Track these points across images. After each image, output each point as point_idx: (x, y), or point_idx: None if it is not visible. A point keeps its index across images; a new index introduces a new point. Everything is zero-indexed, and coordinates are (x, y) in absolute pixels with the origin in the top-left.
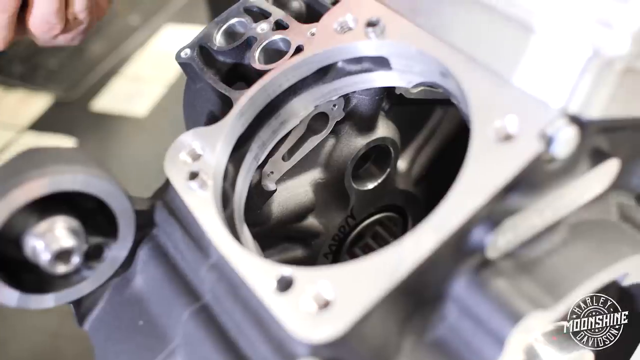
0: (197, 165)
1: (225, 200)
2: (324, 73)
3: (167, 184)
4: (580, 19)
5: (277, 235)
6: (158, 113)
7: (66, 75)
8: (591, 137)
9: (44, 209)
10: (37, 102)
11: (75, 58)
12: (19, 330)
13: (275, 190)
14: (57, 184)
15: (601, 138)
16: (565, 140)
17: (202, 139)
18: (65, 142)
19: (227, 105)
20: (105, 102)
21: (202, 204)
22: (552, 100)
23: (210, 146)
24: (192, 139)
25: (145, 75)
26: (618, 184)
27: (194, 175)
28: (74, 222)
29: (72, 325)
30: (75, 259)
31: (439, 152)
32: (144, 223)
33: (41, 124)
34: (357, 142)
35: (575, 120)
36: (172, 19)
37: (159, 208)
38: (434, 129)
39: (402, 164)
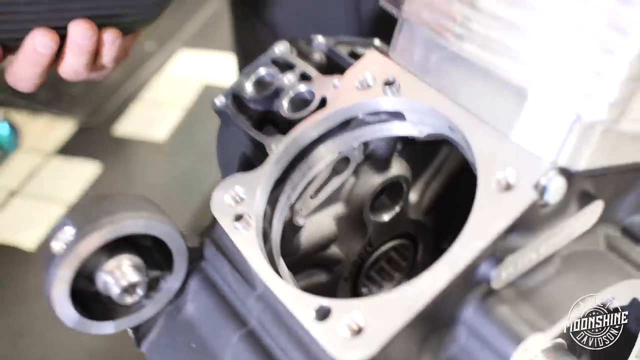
0: (240, 208)
1: (265, 237)
2: (347, 123)
3: (214, 222)
4: (566, 89)
5: (304, 263)
6: (176, 137)
7: (88, 101)
8: (578, 184)
9: (112, 248)
10: (62, 127)
11: (96, 84)
12: (56, 347)
13: (303, 225)
14: (126, 228)
15: (587, 183)
16: (556, 189)
17: (243, 184)
18: (90, 165)
19: (258, 148)
20: (126, 126)
21: (247, 243)
22: (545, 155)
23: (251, 191)
24: (234, 183)
25: (163, 100)
26: (604, 218)
27: (239, 217)
28: (137, 259)
29: (105, 344)
30: (140, 292)
31: (446, 184)
32: (195, 257)
33: (67, 148)
34: (374, 180)
35: (564, 171)
36: (186, 44)
37: (207, 245)
38: (441, 165)
39: (413, 197)
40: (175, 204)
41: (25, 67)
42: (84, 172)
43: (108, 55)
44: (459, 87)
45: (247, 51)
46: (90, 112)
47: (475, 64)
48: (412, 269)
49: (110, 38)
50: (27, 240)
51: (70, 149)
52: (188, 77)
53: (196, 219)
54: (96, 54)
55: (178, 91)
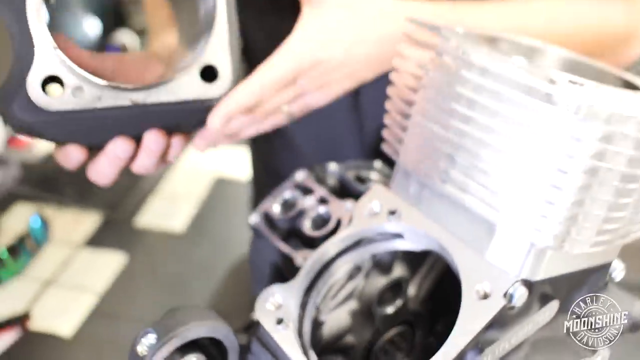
0: (280, 312)
1: (300, 335)
2: (359, 241)
3: (258, 324)
4: (523, 225)
5: (325, 351)
6: (193, 228)
7: (111, 196)
8: (537, 289)
9: (183, 349)
10: (88, 221)
11: (117, 180)
12: None
13: (325, 321)
14: (195, 333)
15: (545, 287)
16: (520, 295)
17: (281, 293)
18: (116, 256)
19: (286, 258)
20: (147, 219)
21: (286, 340)
22: (511, 271)
23: (287, 299)
24: (274, 293)
25: (179, 193)
26: (563, 310)
27: (280, 321)
28: (201, 357)
29: None
30: None
31: (436, 281)
32: (244, 352)
33: (93, 240)
34: (380, 282)
35: (525, 282)
36: None
37: (254, 342)
38: (432, 267)
39: (411, 292)
40: (195, 289)
41: (106, 166)
42: (110, 262)
43: (173, 154)
44: (446, 217)
45: (261, 158)
46: (113, 206)
47: (456, 201)
48: (412, 349)
49: (177, 142)
50: (64, 327)
51: (97, 240)
52: (201, 171)
53: (215, 302)
54: (164, 153)
55: (192, 184)
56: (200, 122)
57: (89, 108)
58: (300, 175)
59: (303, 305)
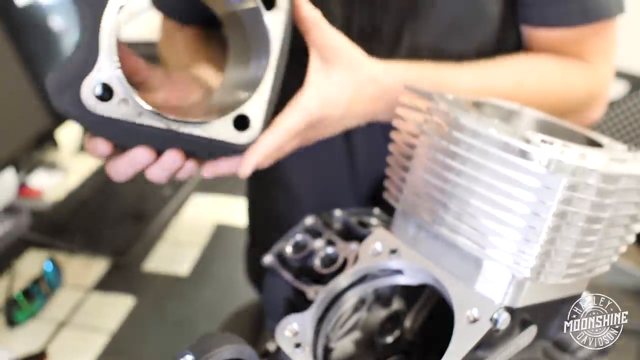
0: (297, 338)
1: (314, 358)
2: (364, 277)
3: (278, 349)
4: (504, 261)
5: None
6: (197, 272)
7: (118, 242)
8: (518, 315)
9: None
10: (97, 266)
11: (124, 228)
12: None
13: (334, 348)
14: (227, 354)
15: (525, 314)
16: (503, 320)
17: (297, 322)
18: (125, 299)
19: (298, 293)
20: (153, 264)
21: None
22: (496, 299)
23: (303, 327)
24: (291, 321)
25: (183, 239)
26: (540, 335)
27: (297, 345)
28: None
29: None
30: None
31: (432, 311)
32: None
33: (103, 285)
34: (381, 314)
35: (508, 309)
36: (197, 189)
37: None
38: (426, 300)
39: (407, 323)
40: (200, 328)
41: (125, 167)
42: (120, 304)
43: (184, 174)
44: (440, 254)
45: (258, 202)
46: (121, 252)
47: (449, 241)
48: None
49: (191, 166)
50: None
51: (107, 284)
52: (202, 218)
53: None
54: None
55: (194, 231)
56: (218, 156)
57: (128, 120)
58: (310, 221)
59: (316, 333)
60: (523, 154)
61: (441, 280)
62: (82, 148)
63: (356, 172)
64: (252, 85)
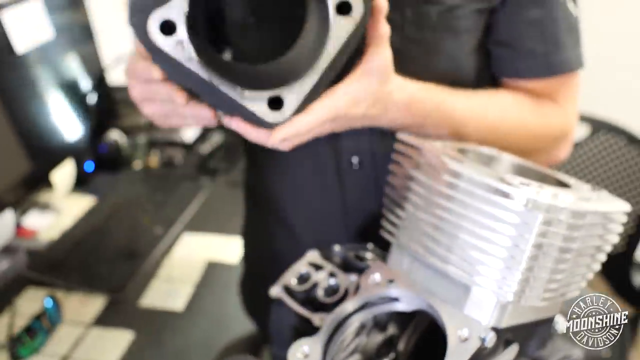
0: (308, 359)
1: None
2: (365, 305)
3: None
4: (490, 287)
5: None
6: (191, 307)
7: (115, 279)
8: (503, 335)
9: None
10: (95, 302)
11: (119, 265)
12: None
13: None
14: None
15: (508, 334)
16: (490, 338)
17: (308, 345)
18: (123, 334)
19: (304, 320)
20: (149, 300)
21: None
22: (483, 321)
23: (312, 349)
24: (302, 344)
25: (176, 276)
26: (522, 353)
27: None
28: None
29: None
30: None
31: (421, 337)
32: None
33: (102, 320)
34: (378, 338)
35: (494, 329)
36: (187, 228)
37: None
38: (417, 325)
39: (401, 346)
40: None
41: (162, 94)
42: (119, 339)
43: (209, 124)
44: (432, 283)
45: (256, 236)
46: (117, 289)
47: (441, 271)
48: None
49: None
50: None
51: (105, 320)
52: (193, 256)
53: None
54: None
55: (187, 269)
56: (246, 120)
57: (178, 60)
58: (312, 255)
59: (324, 354)
60: (505, 194)
61: (434, 305)
62: (74, 189)
63: (347, 209)
64: (302, 70)
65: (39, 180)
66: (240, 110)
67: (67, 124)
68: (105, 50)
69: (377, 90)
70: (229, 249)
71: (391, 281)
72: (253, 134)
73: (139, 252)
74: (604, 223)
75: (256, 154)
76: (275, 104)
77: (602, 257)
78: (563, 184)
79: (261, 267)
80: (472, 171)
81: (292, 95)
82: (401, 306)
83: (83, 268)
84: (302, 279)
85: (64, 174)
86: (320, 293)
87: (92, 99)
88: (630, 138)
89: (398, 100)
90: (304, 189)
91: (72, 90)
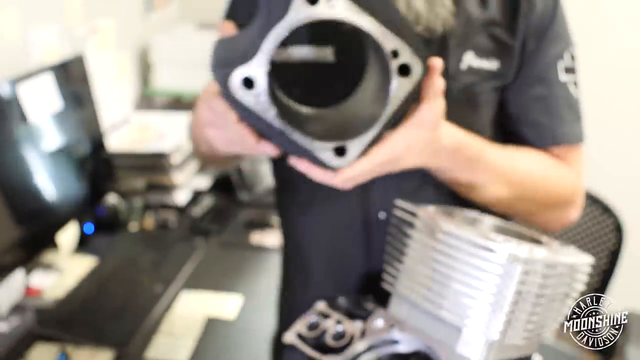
0: None
1: None
2: (370, 348)
3: None
4: (479, 329)
5: None
6: None
7: (120, 334)
8: None
9: None
10: (103, 356)
11: (123, 322)
12: None
13: None
14: None
15: None
16: None
17: None
18: None
19: None
20: (152, 354)
21: None
22: (474, 357)
23: None
24: None
25: (177, 332)
26: None
27: None
28: None
29: None
30: None
31: None
32: None
33: None
34: None
35: None
36: (185, 286)
37: None
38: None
39: None
40: None
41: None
42: None
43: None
44: (429, 326)
45: (287, 297)
46: (123, 343)
47: (436, 315)
48: None
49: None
50: None
51: None
52: (193, 312)
53: None
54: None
55: (187, 324)
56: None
57: (256, 111)
58: (320, 305)
59: None
60: (490, 250)
61: (431, 346)
62: (76, 250)
63: (370, 258)
64: (363, 125)
65: (45, 241)
66: (307, 155)
67: (70, 188)
68: (104, 118)
69: (429, 137)
70: (226, 305)
71: (392, 326)
72: (319, 175)
73: (141, 309)
74: (571, 273)
75: (288, 209)
76: (340, 152)
77: (570, 303)
78: (537, 241)
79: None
80: (462, 231)
81: (354, 146)
82: (402, 347)
83: (90, 324)
84: (312, 326)
85: (68, 235)
86: (328, 338)
87: (92, 164)
88: (592, 199)
89: (447, 144)
90: (330, 241)
91: (75, 155)
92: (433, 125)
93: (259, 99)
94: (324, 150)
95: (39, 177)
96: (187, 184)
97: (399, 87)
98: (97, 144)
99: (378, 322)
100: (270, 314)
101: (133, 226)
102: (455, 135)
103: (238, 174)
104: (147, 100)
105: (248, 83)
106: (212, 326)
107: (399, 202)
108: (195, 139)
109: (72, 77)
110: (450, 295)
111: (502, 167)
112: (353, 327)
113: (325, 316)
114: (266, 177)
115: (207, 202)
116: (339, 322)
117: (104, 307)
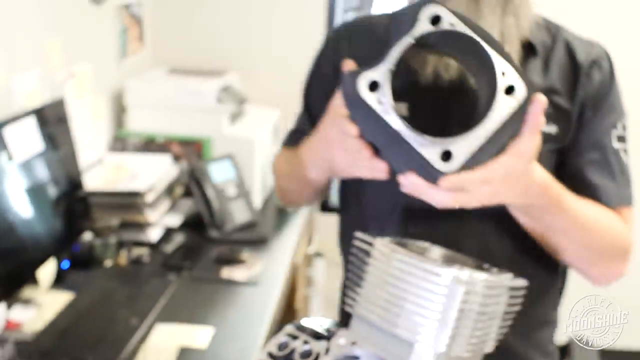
0: None
1: None
2: None
3: None
4: (429, 343)
5: None
6: None
7: None
8: None
9: None
10: None
11: (101, 352)
12: None
13: None
14: None
15: None
16: None
17: None
18: None
19: None
20: None
21: None
22: None
23: None
24: None
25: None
26: None
27: None
28: None
29: None
30: None
31: None
32: None
33: None
34: None
35: None
36: (159, 318)
37: None
38: None
39: None
40: None
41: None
42: None
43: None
44: (385, 342)
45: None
46: None
47: (391, 332)
48: None
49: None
50: None
51: None
52: (167, 343)
53: None
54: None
55: (162, 355)
56: (414, 170)
57: (377, 111)
58: (289, 328)
59: None
60: (436, 274)
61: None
62: (53, 285)
63: None
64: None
65: (25, 277)
66: (415, 161)
67: (49, 226)
68: (81, 158)
69: (524, 169)
70: (198, 336)
71: (354, 343)
72: (424, 189)
73: (117, 341)
74: (508, 293)
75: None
76: (446, 156)
77: (509, 322)
78: (480, 267)
79: None
80: (413, 258)
81: (461, 153)
82: None
83: (67, 355)
84: (282, 346)
85: (46, 271)
86: (297, 357)
87: (70, 202)
88: None
89: (538, 179)
90: None
91: (54, 194)
92: (529, 157)
93: (381, 99)
94: (432, 153)
95: (21, 215)
96: (160, 221)
97: (503, 104)
98: (75, 183)
99: (341, 341)
100: (240, 344)
101: (107, 263)
102: (543, 173)
103: (208, 213)
104: (120, 142)
105: (373, 86)
106: (185, 356)
107: (358, 234)
108: (288, 173)
109: (52, 119)
110: (404, 315)
111: (579, 212)
112: (319, 346)
113: (294, 337)
114: (236, 215)
115: (178, 239)
116: (306, 342)
117: (81, 339)
